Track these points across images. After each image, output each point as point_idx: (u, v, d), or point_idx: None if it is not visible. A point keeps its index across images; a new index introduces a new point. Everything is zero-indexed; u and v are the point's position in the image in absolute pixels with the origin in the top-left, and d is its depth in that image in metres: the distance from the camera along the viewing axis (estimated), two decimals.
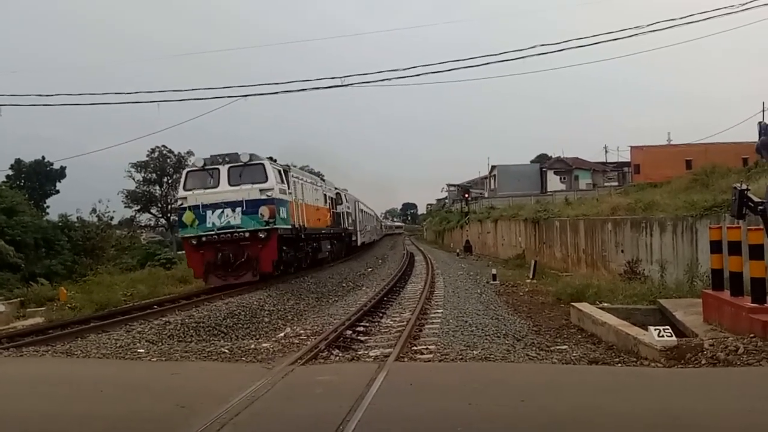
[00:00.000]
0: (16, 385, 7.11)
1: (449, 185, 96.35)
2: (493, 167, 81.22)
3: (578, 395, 6.01)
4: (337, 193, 33.80)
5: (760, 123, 9.83)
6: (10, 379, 7.42)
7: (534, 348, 9.38)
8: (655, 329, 8.04)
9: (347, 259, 36.61)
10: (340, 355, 9.20)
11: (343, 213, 34.42)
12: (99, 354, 9.17)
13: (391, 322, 12.69)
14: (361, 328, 11.89)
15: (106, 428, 5.26)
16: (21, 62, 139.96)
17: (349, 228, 37.79)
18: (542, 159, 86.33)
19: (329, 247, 30.07)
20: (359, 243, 44.03)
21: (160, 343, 10.22)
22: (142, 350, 9.40)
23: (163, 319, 12.48)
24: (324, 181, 33.14)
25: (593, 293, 13.72)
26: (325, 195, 29.22)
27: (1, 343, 9.80)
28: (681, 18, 17.52)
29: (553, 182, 73.08)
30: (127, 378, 7.55)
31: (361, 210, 49.53)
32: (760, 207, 8.59)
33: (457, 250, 44.16)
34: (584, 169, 74.49)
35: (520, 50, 18.79)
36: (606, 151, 78.87)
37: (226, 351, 9.15)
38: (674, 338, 7.88)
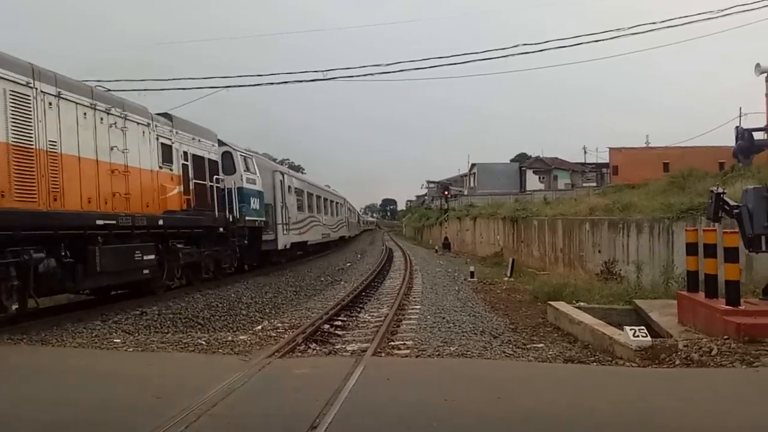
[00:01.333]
0: None
1: (429, 182, 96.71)
2: (473, 165, 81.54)
3: (554, 393, 6.06)
4: (226, 153, 19.55)
5: (737, 127, 9.99)
6: None
7: (510, 345, 9.45)
8: (631, 329, 8.14)
9: (321, 255, 35.36)
10: (318, 348, 9.20)
11: (239, 191, 19.12)
12: (75, 343, 9.07)
13: (369, 317, 12.70)
14: (339, 323, 11.88)
15: (82, 417, 5.21)
16: None
17: (257, 219, 21.26)
18: (522, 158, 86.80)
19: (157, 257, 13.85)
20: (282, 246, 24.65)
21: (137, 334, 10.13)
22: (118, 340, 9.31)
23: (140, 309, 12.36)
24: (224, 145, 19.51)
25: (570, 292, 13.83)
26: (170, 148, 15.40)
27: None
28: (662, 21, 17.78)
29: (533, 181, 73.57)
30: (102, 368, 7.48)
31: (308, 194, 32.69)
32: (736, 210, 8.74)
33: (436, 247, 44.27)
34: (563, 169, 75.06)
35: (503, 49, 18.98)
36: (585, 152, 79.64)
37: (203, 343, 9.09)
38: (649, 338, 7.98)
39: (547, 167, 75.70)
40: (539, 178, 74.90)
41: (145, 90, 19.91)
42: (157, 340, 9.36)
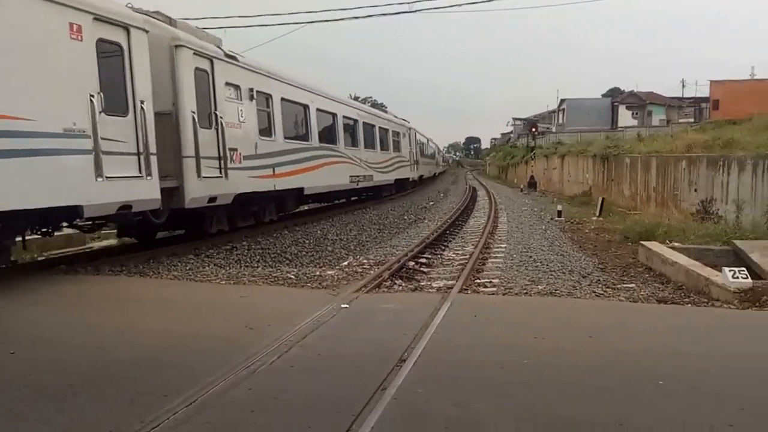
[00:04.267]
0: (95, 302, 7.45)
1: (515, 119, 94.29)
2: (562, 101, 78.73)
3: (647, 334, 5.87)
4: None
5: None
6: (91, 296, 7.77)
7: (600, 285, 9.21)
8: (730, 270, 7.78)
9: (404, 194, 33.75)
10: (404, 285, 9.26)
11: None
12: (170, 276, 9.48)
13: (454, 255, 12.67)
14: (424, 260, 11.92)
15: (179, 345, 5.46)
16: None
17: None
18: (614, 93, 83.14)
19: None
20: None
21: (228, 267, 10.49)
22: (211, 273, 9.67)
23: (231, 244, 12.78)
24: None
25: (663, 232, 13.34)
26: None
27: (81, 263, 10.23)
28: None
29: (625, 118, 70.41)
30: (197, 299, 7.80)
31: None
32: None
33: (521, 186, 43.46)
34: (658, 105, 71.33)
35: None
36: (683, 86, 76.11)
37: (292, 277, 9.32)
38: (750, 280, 7.61)
39: (641, 102, 72.14)
40: (632, 114, 71.58)
41: (227, 27, 19.98)
42: (248, 273, 9.66)
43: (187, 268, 10.26)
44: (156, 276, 9.49)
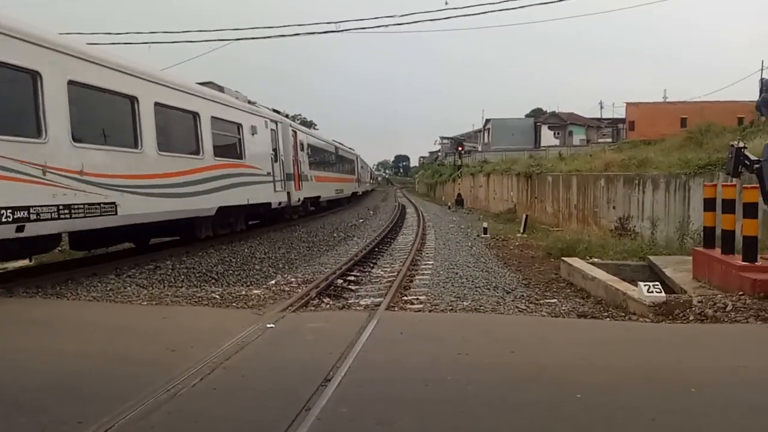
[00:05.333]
0: (7, 325, 7.09)
1: (442, 138, 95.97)
2: (488, 121, 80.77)
3: (567, 348, 6.04)
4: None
5: (761, 79, 9.74)
6: (2, 319, 7.39)
7: (524, 301, 9.43)
8: (645, 285, 8.08)
9: (338, 210, 34.20)
10: (331, 303, 9.23)
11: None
12: (89, 297, 9.14)
13: (382, 273, 12.72)
14: (352, 278, 11.92)
15: (96, 369, 5.25)
16: None
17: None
18: (537, 114, 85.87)
19: None
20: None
21: (151, 288, 10.20)
22: (132, 294, 9.38)
23: (153, 263, 12.44)
24: None
25: (584, 248, 13.80)
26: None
27: None
28: None
29: (548, 137, 72.87)
30: (117, 321, 7.53)
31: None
32: (756, 165, 8.57)
33: (449, 204, 44.15)
34: (579, 125, 74.20)
35: None
36: (601, 107, 78.86)
37: (217, 296, 9.13)
38: (663, 294, 7.93)
39: (562, 123, 74.83)
40: (554, 133, 74.15)
41: (152, 43, 19.55)
42: (171, 293, 9.40)
43: (108, 288, 9.91)
44: (74, 297, 9.13)
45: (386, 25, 19.26)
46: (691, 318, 7.39)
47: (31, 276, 10.75)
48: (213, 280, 11.67)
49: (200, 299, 8.92)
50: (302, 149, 25.25)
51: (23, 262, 13.95)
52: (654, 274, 10.81)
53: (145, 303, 8.62)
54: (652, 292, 7.90)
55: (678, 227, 14.45)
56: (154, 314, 7.84)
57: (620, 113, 66.64)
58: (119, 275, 11.13)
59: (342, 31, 19.57)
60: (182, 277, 11.65)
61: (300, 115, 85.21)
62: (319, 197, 29.36)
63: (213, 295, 9.28)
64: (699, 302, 7.69)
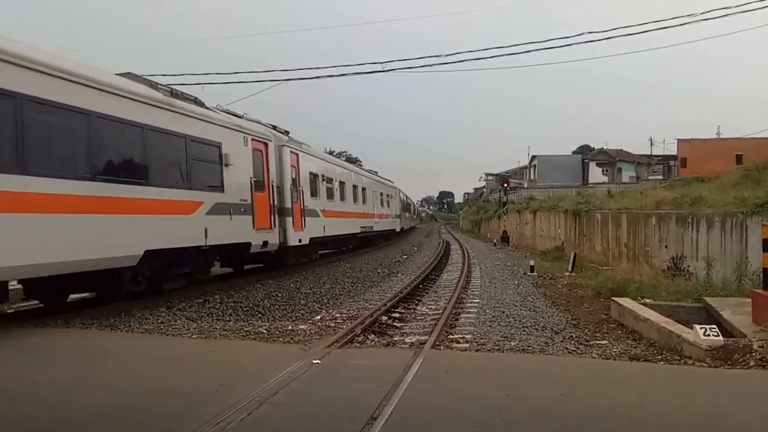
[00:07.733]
0: (62, 355, 7.27)
1: (487, 174, 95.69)
2: (534, 157, 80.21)
3: (619, 391, 5.87)
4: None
5: None
6: (58, 350, 7.59)
7: (573, 341, 9.22)
8: (701, 327, 7.82)
9: (383, 246, 34.43)
10: (376, 340, 9.18)
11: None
12: (141, 329, 9.32)
13: (427, 310, 12.62)
14: (397, 315, 11.85)
15: (145, 401, 5.33)
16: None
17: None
18: (584, 150, 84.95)
19: None
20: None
21: (200, 321, 10.35)
22: (182, 327, 9.52)
23: (203, 297, 12.64)
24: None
25: (635, 288, 13.45)
26: None
27: (51, 316, 10.02)
28: (736, 6, 16.93)
29: (595, 174, 71.83)
30: (167, 353, 7.66)
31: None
32: None
33: (494, 241, 43.74)
34: (628, 162, 73.04)
35: (567, 37, 18.50)
36: (651, 144, 77.80)
37: (264, 331, 9.20)
38: (721, 338, 7.65)
39: (611, 159, 73.79)
40: (602, 170, 73.09)
41: (205, 84, 20.18)
42: (220, 327, 9.52)
43: (159, 321, 10.10)
44: (127, 329, 9.33)
45: (431, 65, 19.42)
46: (752, 363, 7.10)
47: (89, 307, 11.02)
48: (260, 315, 11.77)
49: (248, 333, 9.01)
50: (312, 176, 21.20)
51: (81, 294, 14.33)
52: (710, 316, 10.46)
53: (194, 336, 8.74)
54: (709, 335, 7.64)
55: (735, 268, 13.98)
56: (202, 347, 7.93)
57: (671, 150, 65.55)
58: (170, 308, 11.34)
59: (388, 71, 19.78)
60: (230, 310, 11.79)
61: (345, 152, 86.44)
62: (338, 236, 25.22)
63: (260, 329, 9.36)
64: (760, 347, 7.40)
